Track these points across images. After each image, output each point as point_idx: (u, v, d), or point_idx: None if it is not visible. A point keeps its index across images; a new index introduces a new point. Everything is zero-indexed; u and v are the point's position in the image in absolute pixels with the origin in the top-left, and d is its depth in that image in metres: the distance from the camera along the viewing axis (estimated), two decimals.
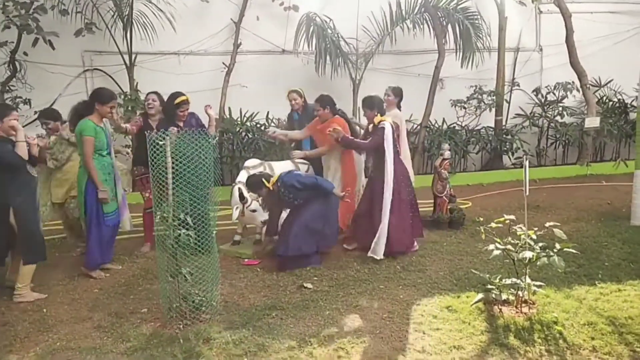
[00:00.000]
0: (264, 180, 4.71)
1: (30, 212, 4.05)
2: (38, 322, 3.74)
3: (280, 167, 5.51)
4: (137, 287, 4.34)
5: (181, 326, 3.50)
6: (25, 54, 7.75)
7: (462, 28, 8.19)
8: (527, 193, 3.92)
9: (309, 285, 4.21)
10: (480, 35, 8.29)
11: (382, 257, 4.69)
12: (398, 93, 6.04)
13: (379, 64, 8.71)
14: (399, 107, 6.03)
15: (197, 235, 3.50)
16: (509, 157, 9.08)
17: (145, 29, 7.95)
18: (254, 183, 4.79)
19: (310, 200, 4.65)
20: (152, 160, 3.42)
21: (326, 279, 4.37)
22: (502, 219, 3.73)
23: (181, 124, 5.00)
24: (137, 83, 8.10)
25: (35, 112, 8.06)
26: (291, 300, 3.95)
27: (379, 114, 4.97)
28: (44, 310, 3.94)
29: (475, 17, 8.32)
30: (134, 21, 7.83)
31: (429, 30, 8.52)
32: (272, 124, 7.85)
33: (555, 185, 8.16)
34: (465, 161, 9.16)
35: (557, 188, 7.94)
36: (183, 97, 5.03)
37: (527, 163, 3.84)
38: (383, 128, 4.81)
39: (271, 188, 4.67)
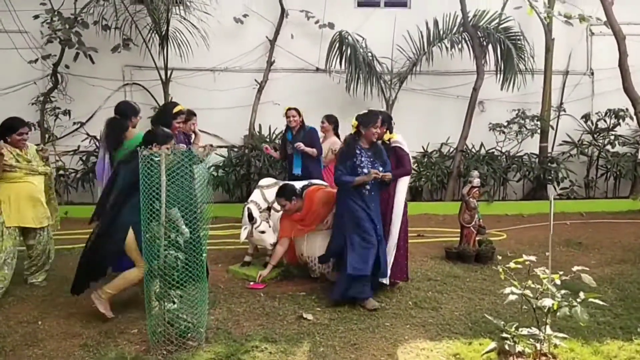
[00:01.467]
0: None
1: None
2: (29, 335, 3.67)
3: (295, 187, 5.31)
4: (137, 305, 4.20)
5: (165, 352, 3.32)
6: (66, 66, 8.04)
7: (504, 49, 7.77)
8: (552, 231, 3.48)
9: (309, 317, 3.93)
10: (523, 57, 7.84)
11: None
12: (333, 121, 5.97)
13: (415, 84, 8.42)
14: (336, 135, 6.00)
15: (187, 258, 3.34)
16: (554, 187, 8.45)
17: (181, 45, 8.07)
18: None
19: None
20: (145, 177, 3.29)
21: (329, 311, 4.07)
22: (521, 260, 3.32)
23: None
24: (171, 98, 8.20)
25: (74, 123, 8.38)
26: (286, 332, 3.69)
27: (388, 131, 4.60)
28: (39, 322, 3.89)
29: (518, 37, 7.89)
30: (170, 38, 7.97)
31: (469, 51, 8.15)
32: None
33: (603, 220, 7.48)
34: (505, 189, 8.62)
35: (604, 223, 7.26)
36: (180, 107, 4.78)
37: (552, 197, 3.42)
38: (401, 144, 4.53)
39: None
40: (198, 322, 3.44)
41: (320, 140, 5.86)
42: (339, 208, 4.32)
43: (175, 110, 4.71)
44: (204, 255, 3.40)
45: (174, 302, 3.34)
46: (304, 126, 5.80)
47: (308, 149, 5.64)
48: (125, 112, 4.78)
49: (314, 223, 4.66)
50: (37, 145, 4.79)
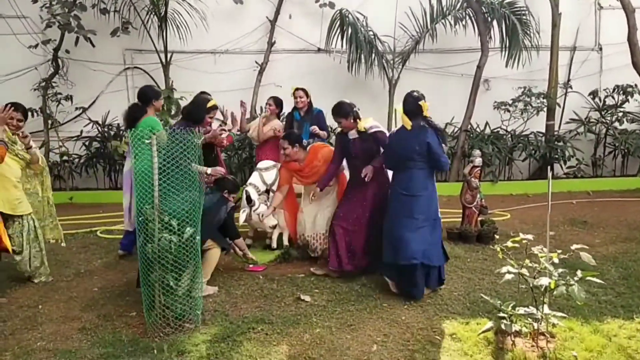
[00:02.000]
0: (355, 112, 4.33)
1: None
2: (29, 319, 3.71)
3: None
4: (136, 289, 4.23)
5: (162, 335, 3.33)
6: (67, 51, 8.01)
7: (509, 24, 7.59)
8: (553, 210, 3.41)
9: (307, 298, 3.92)
10: (529, 32, 7.65)
11: None
12: (279, 103, 5.89)
13: (418, 63, 8.28)
14: (278, 117, 6.03)
15: (180, 240, 3.32)
16: (560, 165, 8.33)
17: (180, 28, 7.99)
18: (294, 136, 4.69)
19: None
20: (137, 160, 3.27)
21: (327, 292, 4.06)
22: (518, 238, 3.27)
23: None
24: (172, 81, 8.16)
25: (77, 109, 8.37)
26: (283, 313, 3.68)
27: (357, 120, 4.33)
28: (39, 307, 3.92)
29: (524, 12, 7.70)
30: (169, 20, 7.89)
31: (473, 27, 7.97)
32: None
33: (610, 198, 7.36)
34: (510, 169, 8.51)
35: (611, 202, 7.15)
36: (213, 102, 4.72)
37: (550, 174, 3.34)
38: (381, 130, 4.30)
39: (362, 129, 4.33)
40: (194, 305, 3.44)
41: (263, 121, 5.78)
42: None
43: (210, 105, 4.64)
44: (198, 237, 3.38)
45: (169, 285, 3.34)
46: (311, 107, 5.73)
47: (321, 132, 5.60)
48: (145, 97, 4.78)
49: (311, 177, 4.69)
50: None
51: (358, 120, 4.32)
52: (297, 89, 5.75)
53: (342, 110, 4.30)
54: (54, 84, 8.13)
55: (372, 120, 4.37)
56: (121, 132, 8.11)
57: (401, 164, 3.96)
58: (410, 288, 3.89)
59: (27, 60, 8.11)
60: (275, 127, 5.73)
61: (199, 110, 4.59)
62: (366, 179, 4.16)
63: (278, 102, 5.91)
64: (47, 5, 7.43)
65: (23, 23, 7.93)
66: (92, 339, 3.36)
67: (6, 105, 4.02)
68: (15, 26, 7.88)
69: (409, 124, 3.90)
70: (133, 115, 4.69)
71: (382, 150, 4.23)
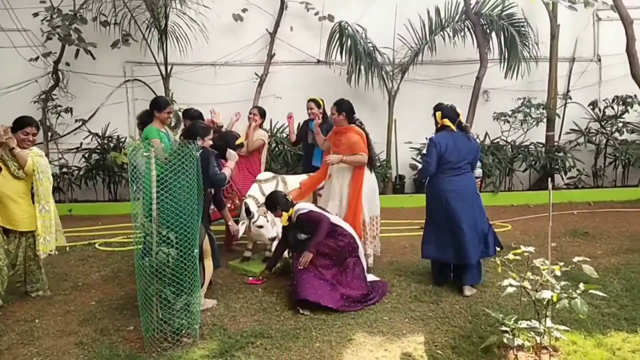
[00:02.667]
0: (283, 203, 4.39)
1: None
2: (25, 333, 3.67)
3: (294, 181, 5.26)
4: (133, 302, 4.18)
5: (159, 350, 3.29)
6: (67, 64, 8.03)
7: (507, 36, 7.61)
8: (555, 222, 3.38)
9: (307, 312, 3.88)
10: (527, 44, 7.68)
11: None
12: (263, 113, 5.90)
13: (418, 74, 8.29)
14: (261, 127, 6.00)
15: (179, 254, 3.29)
16: (561, 176, 8.31)
17: (180, 40, 8.02)
18: (271, 200, 4.49)
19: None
20: (132, 173, 3.25)
21: None
22: (519, 251, 3.23)
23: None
24: (172, 93, 8.17)
25: (77, 121, 8.37)
26: (282, 327, 3.64)
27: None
28: (36, 321, 3.88)
29: (522, 24, 7.72)
30: (169, 33, 7.92)
31: (472, 39, 8.01)
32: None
33: (611, 209, 7.32)
34: (511, 179, 8.48)
35: (612, 213, 7.11)
36: (241, 140, 4.94)
37: (550, 185, 3.32)
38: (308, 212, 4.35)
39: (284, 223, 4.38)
40: (192, 319, 3.40)
41: (248, 132, 5.70)
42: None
43: (238, 142, 4.78)
44: (196, 251, 3.35)
45: (167, 299, 3.30)
46: (326, 117, 5.58)
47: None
48: (151, 106, 4.91)
49: (339, 147, 4.84)
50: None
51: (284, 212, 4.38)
52: (309, 100, 5.72)
53: (271, 202, 4.44)
54: (54, 97, 8.12)
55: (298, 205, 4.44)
56: (121, 143, 8.11)
57: (458, 165, 4.30)
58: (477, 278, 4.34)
59: (28, 73, 8.12)
60: (261, 137, 5.71)
61: (228, 145, 4.57)
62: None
63: (262, 112, 5.89)
64: (48, 18, 7.47)
65: (24, 36, 7.95)
66: (89, 354, 3.32)
67: (16, 121, 4.06)
68: (15, 39, 7.90)
69: (454, 127, 4.35)
70: (141, 121, 4.92)
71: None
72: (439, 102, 4.51)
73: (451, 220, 4.23)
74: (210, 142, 4.08)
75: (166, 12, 7.70)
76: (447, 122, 4.32)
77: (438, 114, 4.40)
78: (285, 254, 4.98)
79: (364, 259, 4.40)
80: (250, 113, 5.89)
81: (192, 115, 5.24)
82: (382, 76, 7.95)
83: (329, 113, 5.25)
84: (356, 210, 4.66)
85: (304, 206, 4.39)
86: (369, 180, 4.82)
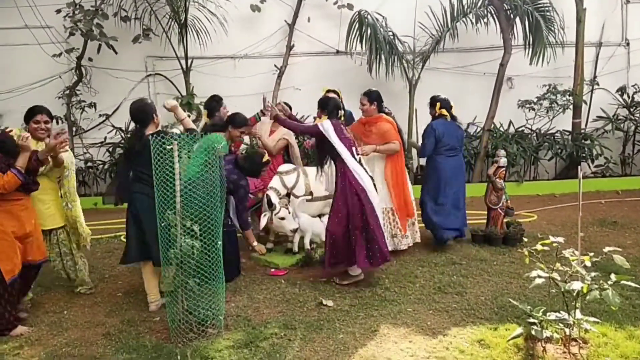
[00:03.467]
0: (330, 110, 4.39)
1: None
2: (55, 324, 3.75)
3: (315, 172, 5.23)
4: (161, 292, 4.25)
5: (185, 340, 3.32)
6: (90, 59, 8.13)
7: (532, 21, 7.41)
8: (583, 212, 3.29)
9: (329, 303, 3.87)
10: (553, 29, 7.47)
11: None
12: (290, 109, 5.65)
13: (439, 62, 8.16)
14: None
15: (203, 245, 3.31)
16: (588, 164, 8.11)
17: (200, 34, 8.04)
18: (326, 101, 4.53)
19: None
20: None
21: (350, 297, 4.01)
22: (548, 241, 3.16)
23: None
24: (192, 87, 8.21)
25: (100, 115, 8.49)
26: (306, 318, 3.64)
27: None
28: (65, 312, 3.96)
29: (547, 8, 7.51)
30: (189, 27, 7.95)
31: (495, 25, 7.82)
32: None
33: None
34: (536, 168, 8.31)
35: None
36: (267, 157, 4.97)
37: (580, 174, 3.23)
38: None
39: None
40: (217, 310, 3.42)
41: (271, 130, 5.58)
42: None
43: (264, 159, 4.87)
44: (219, 242, 3.37)
45: (192, 290, 3.33)
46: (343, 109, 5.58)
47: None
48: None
49: (369, 137, 5.00)
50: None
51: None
52: (328, 90, 5.63)
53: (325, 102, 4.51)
54: (77, 92, 8.25)
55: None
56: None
57: (453, 150, 5.15)
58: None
59: (52, 69, 8.26)
60: (283, 137, 5.55)
61: (255, 166, 4.78)
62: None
63: (289, 108, 5.69)
64: (70, 15, 7.57)
65: (47, 33, 8.07)
66: (117, 345, 3.37)
67: (29, 111, 3.96)
68: (39, 36, 8.04)
69: (448, 117, 5.15)
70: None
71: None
72: (436, 95, 5.34)
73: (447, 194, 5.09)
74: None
75: (186, 6, 7.73)
76: (444, 111, 5.13)
77: (438, 104, 5.17)
78: (307, 245, 4.96)
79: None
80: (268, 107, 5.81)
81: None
82: (403, 65, 7.84)
83: (346, 104, 5.21)
84: (405, 193, 4.95)
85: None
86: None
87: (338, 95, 5.55)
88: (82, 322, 3.77)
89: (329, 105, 4.39)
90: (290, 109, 5.81)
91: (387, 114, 5.08)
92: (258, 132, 5.51)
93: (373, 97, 4.95)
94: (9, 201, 3.50)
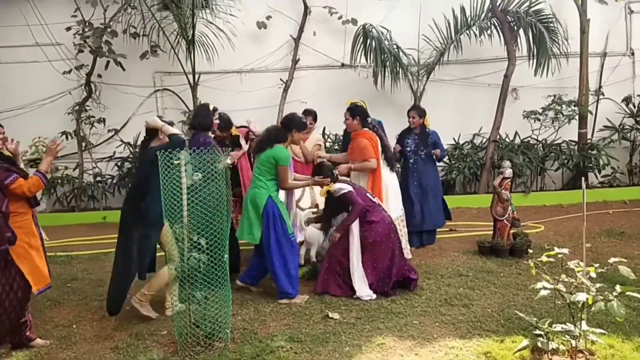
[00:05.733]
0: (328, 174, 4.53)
1: None
2: (64, 338, 3.78)
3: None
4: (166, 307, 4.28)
5: (192, 353, 3.35)
6: (99, 76, 8.28)
7: (536, 32, 7.47)
8: (588, 222, 3.30)
9: (335, 316, 3.88)
10: (556, 40, 7.51)
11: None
12: (316, 116, 5.80)
13: (444, 74, 8.22)
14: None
15: (210, 259, 3.35)
16: (595, 174, 8.08)
17: (208, 49, 8.17)
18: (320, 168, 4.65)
19: None
20: (165, 179, 3.33)
21: (356, 309, 4.02)
22: (553, 252, 3.16)
23: None
24: (200, 101, 8.31)
25: (109, 131, 8.62)
26: (312, 331, 3.65)
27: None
28: (74, 326, 3.99)
29: (550, 19, 7.56)
30: (196, 42, 8.08)
31: (499, 37, 7.88)
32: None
33: None
34: (543, 179, 8.30)
35: None
36: (212, 105, 4.79)
37: (584, 184, 3.24)
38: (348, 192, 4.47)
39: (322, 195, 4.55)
40: (224, 323, 3.45)
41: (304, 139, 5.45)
42: None
43: (211, 108, 4.68)
44: (226, 256, 3.40)
45: (198, 304, 3.36)
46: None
47: (324, 157, 5.42)
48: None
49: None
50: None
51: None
52: (351, 104, 5.61)
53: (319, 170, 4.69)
54: (87, 108, 8.38)
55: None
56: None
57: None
58: None
59: (62, 86, 8.42)
60: (317, 143, 5.56)
61: (205, 118, 4.61)
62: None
63: (315, 116, 5.72)
64: (80, 32, 7.74)
65: (57, 50, 8.25)
66: (125, 358, 3.40)
67: None
68: (50, 53, 8.21)
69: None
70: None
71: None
72: (423, 108, 5.94)
73: None
74: None
75: (193, 22, 7.86)
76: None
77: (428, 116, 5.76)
78: (313, 257, 5.01)
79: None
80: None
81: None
82: (408, 77, 7.91)
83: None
84: None
85: (345, 186, 4.41)
86: (392, 180, 4.91)
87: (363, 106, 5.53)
88: (91, 335, 3.81)
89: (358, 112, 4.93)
90: (316, 117, 5.82)
91: (372, 128, 5.02)
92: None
93: (355, 112, 4.96)
94: (19, 214, 3.57)
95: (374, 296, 4.21)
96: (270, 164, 4.24)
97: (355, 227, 4.28)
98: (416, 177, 5.66)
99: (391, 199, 4.92)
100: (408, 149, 5.72)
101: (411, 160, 5.72)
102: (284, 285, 4.19)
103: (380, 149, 4.95)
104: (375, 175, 4.91)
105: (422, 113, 5.79)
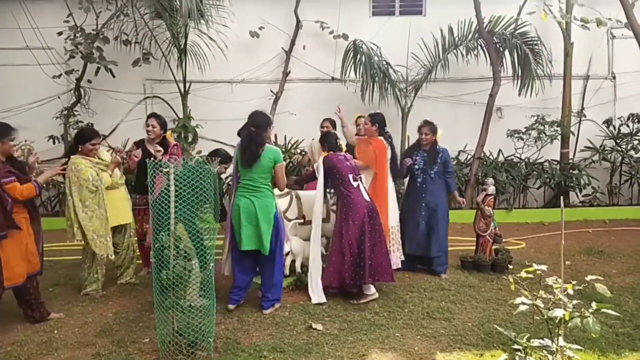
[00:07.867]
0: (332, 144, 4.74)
1: None
2: (45, 343, 3.76)
3: (308, 196, 5.32)
4: (149, 314, 4.27)
5: None
6: (89, 81, 8.26)
7: (521, 54, 7.66)
8: (569, 240, 3.39)
9: (319, 327, 3.92)
10: (541, 62, 7.71)
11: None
12: (334, 125, 5.97)
13: (431, 91, 8.37)
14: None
15: (195, 267, 3.37)
16: (576, 193, 8.26)
17: (199, 58, 8.21)
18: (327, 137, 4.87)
19: None
20: (153, 189, 3.36)
21: (339, 320, 4.06)
22: (531, 269, 3.24)
23: None
24: (189, 110, 8.35)
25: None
26: (295, 342, 3.68)
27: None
28: (55, 332, 3.97)
29: (535, 42, 7.77)
30: (188, 51, 8.13)
31: (485, 57, 8.07)
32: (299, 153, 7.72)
33: (627, 227, 7.26)
34: (525, 197, 8.45)
35: (628, 231, 7.05)
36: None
37: (562, 203, 3.34)
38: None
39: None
40: (207, 332, 3.46)
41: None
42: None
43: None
44: (212, 265, 3.43)
45: (182, 312, 3.37)
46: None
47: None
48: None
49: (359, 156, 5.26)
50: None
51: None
52: (359, 116, 5.81)
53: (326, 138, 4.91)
54: (75, 113, 8.35)
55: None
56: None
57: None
58: None
59: (51, 90, 8.39)
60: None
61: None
62: None
63: (334, 125, 5.94)
64: (71, 37, 7.74)
65: (48, 54, 8.23)
66: None
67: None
68: (40, 57, 8.19)
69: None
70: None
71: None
72: (434, 124, 5.37)
73: None
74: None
75: (186, 32, 7.91)
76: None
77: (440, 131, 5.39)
78: (298, 268, 5.03)
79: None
80: (322, 126, 5.97)
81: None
82: (396, 93, 8.04)
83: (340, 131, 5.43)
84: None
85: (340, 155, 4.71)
86: (391, 190, 5.08)
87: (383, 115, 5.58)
88: (72, 342, 3.78)
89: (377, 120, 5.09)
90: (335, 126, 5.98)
91: (388, 138, 5.18)
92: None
93: (376, 119, 5.16)
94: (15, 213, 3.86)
95: (324, 300, 4.41)
96: (269, 167, 4.23)
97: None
98: (424, 198, 5.22)
99: (390, 209, 5.04)
100: (416, 167, 5.29)
101: (419, 180, 5.28)
102: (279, 292, 4.36)
103: (389, 159, 5.10)
104: (377, 184, 5.02)
105: (435, 129, 5.30)
